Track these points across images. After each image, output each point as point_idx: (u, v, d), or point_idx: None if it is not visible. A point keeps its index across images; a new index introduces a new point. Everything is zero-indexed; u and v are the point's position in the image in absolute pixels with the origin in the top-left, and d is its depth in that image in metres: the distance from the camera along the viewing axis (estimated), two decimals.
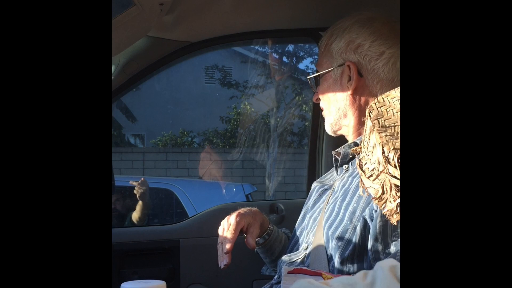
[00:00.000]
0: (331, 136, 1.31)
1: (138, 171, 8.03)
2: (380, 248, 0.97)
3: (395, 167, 0.66)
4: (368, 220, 1.00)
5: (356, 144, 1.15)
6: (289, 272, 0.80)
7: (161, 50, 1.44)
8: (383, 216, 0.97)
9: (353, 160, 1.16)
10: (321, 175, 1.48)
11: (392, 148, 0.66)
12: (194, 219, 1.65)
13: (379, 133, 0.68)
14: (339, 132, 1.24)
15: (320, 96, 1.23)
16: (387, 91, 1.15)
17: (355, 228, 1.02)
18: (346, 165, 1.18)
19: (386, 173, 0.67)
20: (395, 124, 0.69)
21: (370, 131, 0.71)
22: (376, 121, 0.70)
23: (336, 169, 1.21)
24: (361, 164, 0.75)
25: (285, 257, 1.17)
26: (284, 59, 8.72)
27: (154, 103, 10.00)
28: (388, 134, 0.68)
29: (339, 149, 1.22)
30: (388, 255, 0.96)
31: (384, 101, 0.72)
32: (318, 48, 1.24)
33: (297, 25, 1.55)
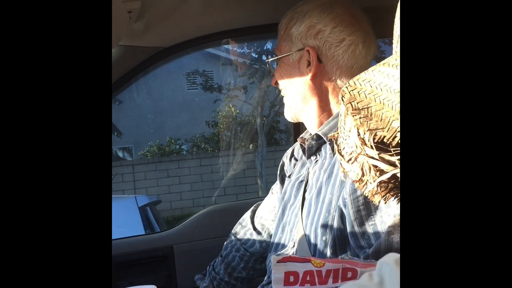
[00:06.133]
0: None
1: (129, 184, 8.00)
2: (358, 233, 0.98)
3: (372, 147, 0.66)
4: (343, 208, 1.00)
5: (318, 136, 1.15)
6: (279, 261, 0.80)
7: (134, 58, 1.44)
8: (354, 201, 0.98)
9: (320, 151, 1.16)
10: None
11: (367, 129, 0.66)
12: (186, 224, 1.65)
13: (353, 116, 0.68)
14: (299, 119, 1.23)
15: (279, 80, 1.23)
16: (345, 78, 1.16)
17: (333, 218, 1.02)
18: (314, 156, 1.17)
19: (364, 155, 0.67)
20: (368, 106, 0.69)
21: (345, 115, 0.71)
22: (349, 104, 0.70)
23: (304, 154, 1.20)
24: (340, 149, 0.76)
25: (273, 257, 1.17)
26: (264, 57, 8.72)
27: (138, 115, 9.97)
28: (362, 116, 0.68)
29: (303, 135, 1.20)
30: (368, 239, 0.96)
31: (355, 84, 0.72)
32: (278, 32, 1.23)
33: (269, 21, 1.55)
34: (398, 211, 0.92)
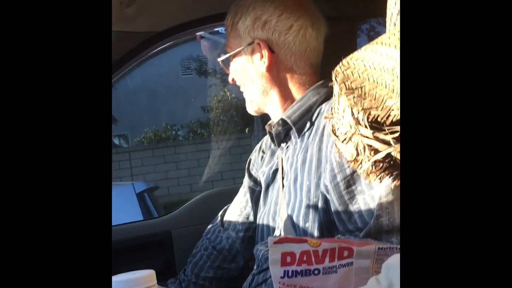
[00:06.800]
0: None
1: (126, 171, 8.00)
2: (344, 217, 0.98)
3: (366, 127, 0.66)
4: (326, 194, 1.01)
5: (283, 121, 1.14)
6: (275, 242, 0.81)
7: (126, 44, 1.42)
8: (336, 187, 0.98)
9: (288, 137, 1.16)
10: None
11: (361, 108, 0.66)
12: (183, 208, 1.66)
13: (346, 96, 0.68)
14: (263, 111, 1.22)
15: (235, 77, 1.21)
16: (301, 63, 1.15)
17: (316, 205, 1.03)
18: (285, 143, 1.17)
19: (358, 134, 0.67)
20: (361, 85, 0.69)
21: (338, 95, 0.71)
22: (343, 84, 0.70)
23: (273, 142, 1.20)
24: (334, 130, 0.75)
25: (261, 246, 1.16)
26: None
27: (133, 101, 9.93)
28: (355, 95, 0.68)
29: (271, 122, 1.19)
30: (355, 223, 0.97)
31: (348, 63, 0.71)
32: (225, 29, 1.22)
33: None
34: (384, 193, 0.93)
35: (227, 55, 1.20)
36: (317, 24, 1.15)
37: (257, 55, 1.14)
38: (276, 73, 1.15)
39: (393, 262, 0.56)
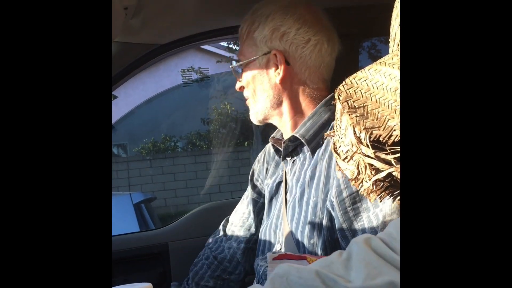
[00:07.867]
0: None
1: (123, 181, 7.98)
2: (348, 234, 0.98)
3: (368, 146, 0.66)
4: (331, 211, 1.01)
5: (295, 138, 1.14)
6: (274, 259, 0.80)
7: (130, 55, 1.43)
8: (341, 203, 0.98)
9: (295, 152, 1.15)
10: None
11: (363, 128, 0.67)
12: (181, 221, 1.65)
13: (349, 114, 0.69)
14: (267, 121, 1.21)
15: (245, 85, 1.20)
16: (315, 78, 1.16)
17: (321, 221, 1.02)
18: (290, 157, 1.16)
19: (360, 153, 0.67)
20: (364, 104, 0.69)
21: (341, 114, 0.72)
22: (346, 103, 0.70)
23: (277, 154, 1.20)
24: (336, 148, 0.76)
25: (262, 262, 1.14)
26: None
27: (132, 111, 9.94)
28: (358, 114, 0.68)
29: (275, 134, 1.19)
30: None
31: (351, 82, 0.72)
32: (239, 37, 1.21)
33: None
34: (388, 212, 0.93)
35: (240, 62, 1.19)
36: (332, 40, 1.16)
37: (272, 66, 1.14)
38: (289, 86, 1.15)
39: (358, 239, 0.58)
